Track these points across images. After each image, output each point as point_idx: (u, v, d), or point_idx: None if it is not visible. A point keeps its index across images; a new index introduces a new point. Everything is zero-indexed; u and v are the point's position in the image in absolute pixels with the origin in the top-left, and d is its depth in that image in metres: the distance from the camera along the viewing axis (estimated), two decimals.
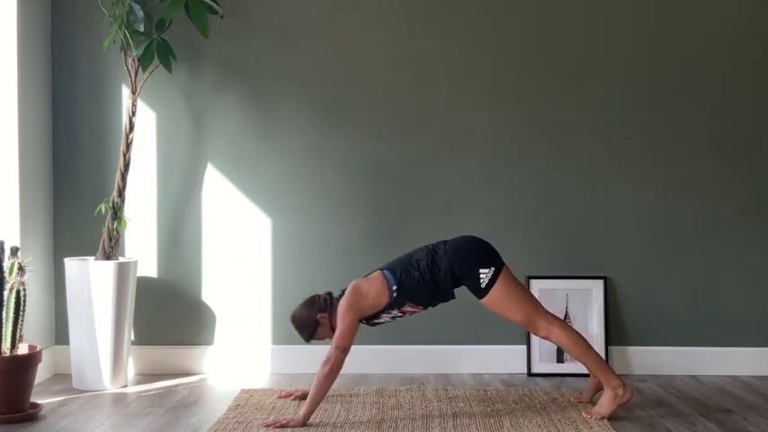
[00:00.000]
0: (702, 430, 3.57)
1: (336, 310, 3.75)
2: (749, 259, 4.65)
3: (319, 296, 3.85)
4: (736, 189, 4.65)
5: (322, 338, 3.85)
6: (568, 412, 3.80)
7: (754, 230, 4.66)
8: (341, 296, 3.79)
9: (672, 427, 3.61)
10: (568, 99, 4.66)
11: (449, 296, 3.81)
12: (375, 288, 3.73)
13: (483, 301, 3.73)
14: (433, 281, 3.73)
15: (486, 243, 3.81)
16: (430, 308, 3.84)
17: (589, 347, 3.74)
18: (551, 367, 4.56)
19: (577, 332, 3.75)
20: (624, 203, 4.66)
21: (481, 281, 3.70)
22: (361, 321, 3.78)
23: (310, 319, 3.80)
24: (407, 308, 3.78)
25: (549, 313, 3.76)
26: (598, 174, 4.66)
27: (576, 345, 3.71)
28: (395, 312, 3.79)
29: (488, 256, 3.75)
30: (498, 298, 3.70)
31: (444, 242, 3.82)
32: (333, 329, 3.77)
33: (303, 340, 3.88)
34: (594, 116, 4.66)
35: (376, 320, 3.82)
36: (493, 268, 3.71)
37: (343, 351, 3.63)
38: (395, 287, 3.71)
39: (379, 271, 3.79)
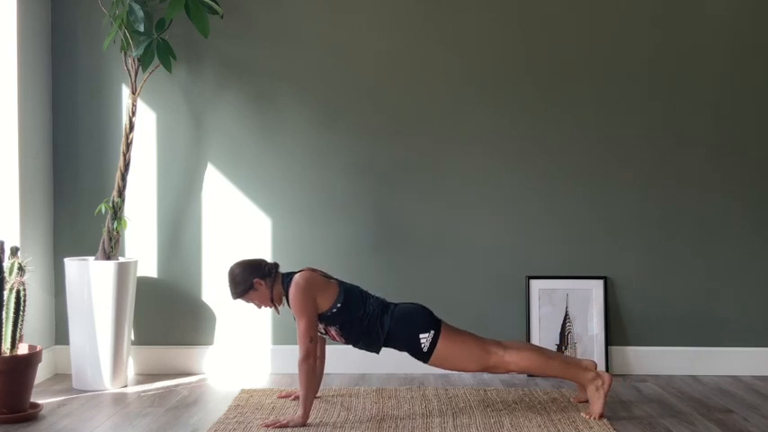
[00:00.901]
0: (702, 430, 3.57)
1: (278, 284, 3.76)
2: (749, 259, 4.65)
3: (266, 263, 3.83)
4: (736, 189, 4.65)
5: (249, 302, 3.84)
6: (568, 412, 3.80)
7: (754, 230, 4.66)
8: (287, 274, 3.79)
9: (672, 427, 3.61)
10: (569, 99, 4.66)
11: (375, 350, 3.83)
12: (328, 292, 3.74)
13: (429, 363, 3.76)
14: (369, 330, 3.76)
15: (425, 308, 3.82)
16: (349, 344, 3.85)
17: (550, 358, 3.76)
18: None
19: (532, 348, 3.78)
20: (624, 203, 4.66)
21: (422, 345, 3.73)
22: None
23: (247, 281, 3.77)
24: (332, 331, 3.80)
25: (497, 344, 3.75)
26: (598, 173, 4.66)
27: (537, 363, 3.72)
28: (320, 327, 3.79)
29: (427, 320, 3.76)
30: (443, 356, 3.74)
31: (396, 304, 3.84)
32: (271, 300, 3.77)
33: (231, 296, 3.84)
34: (594, 116, 4.66)
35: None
36: (432, 331, 3.74)
37: (315, 342, 3.65)
38: (339, 305, 3.74)
39: (336, 281, 3.81)
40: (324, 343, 3.91)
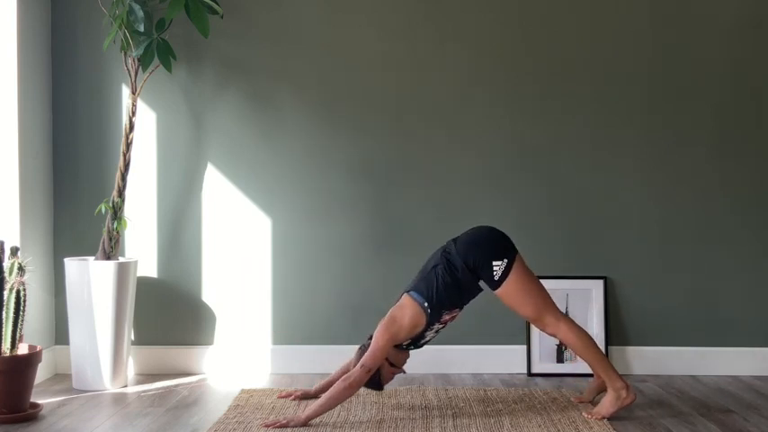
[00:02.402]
0: (702, 430, 3.57)
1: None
2: (749, 259, 4.65)
3: (364, 345, 3.79)
4: (736, 189, 4.65)
5: (392, 377, 3.82)
6: (568, 412, 3.80)
7: (755, 230, 4.66)
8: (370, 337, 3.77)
9: (672, 427, 3.61)
10: (569, 99, 4.66)
11: (475, 290, 3.78)
12: (408, 312, 3.71)
13: (496, 292, 3.72)
14: (455, 282, 3.71)
15: (499, 233, 3.79)
16: (465, 306, 3.82)
17: (595, 347, 3.74)
18: (551, 367, 4.56)
19: (584, 331, 3.75)
20: (624, 203, 4.66)
21: (494, 273, 3.68)
22: (408, 347, 3.80)
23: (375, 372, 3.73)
24: (446, 317, 3.77)
25: (559, 310, 3.75)
26: (598, 173, 4.66)
27: (583, 343, 3.71)
28: (437, 326, 3.78)
29: (501, 247, 3.73)
30: (511, 291, 3.69)
31: (455, 239, 3.80)
32: (392, 365, 3.77)
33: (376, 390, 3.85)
34: (594, 116, 4.66)
35: (422, 341, 3.81)
36: (506, 260, 3.69)
37: (367, 371, 3.62)
38: (426, 304, 3.70)
39: (405, 294, 3.77)
40: (369, 375, 3.73)
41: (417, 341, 3.79)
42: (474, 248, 3.72)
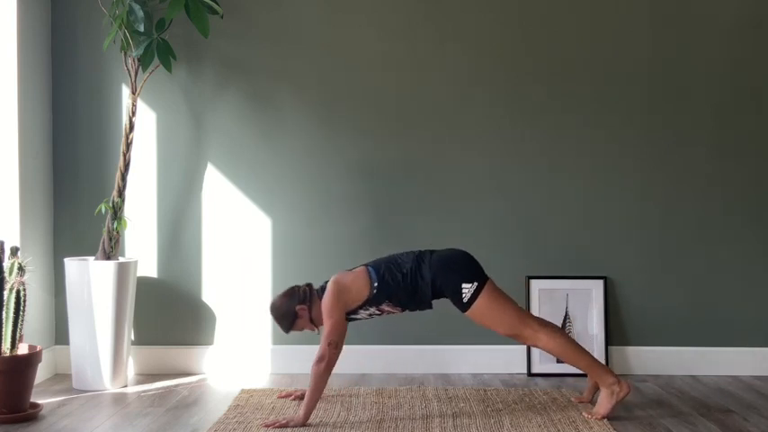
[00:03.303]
0: (702, 430, 3.57)
1: (316, 302, 3.77)
2: (749, 259, 4.65)
3: (299, 287, 3.85)
4: (736, 189, 4.65)
5: (301, 329, 3.85)
6: (568, 412, 3.80)
7: (755, 230, 4.66)
8: (321, 289, 3.80)
9: (672, 427, 3.61)
10: (569, 99, 4.66)
11: (425, 305, 3.82)
12: (358, 282, 3.74)
13: (467, 314, 3.74)
14: (414, 287, 3.74)
15: (471, 257, 3.81)
16: (407, 311, 3.85)
17: (579, 349, 3.74)
18: (551, 367, 4.56)
19: (565, 335, 3.75)
20: (624, 203, 4.66)
21: (463, 295, 3.71)
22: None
23: (289, 311, 3.79)
24: (385, 306, 3.79)
25: (536, 320, 3.75)
26: (598, 174, 4.66)
27: (566, 349, 3.71)
28: (372, 309, 3.79)
29: (472, 270, 3.75)
30: (481, 312, 3.71)
31: (431, 252, 3.82)
32: (312, 321, 3.79)
33: (282, 330, 3.87)
34: (594, 116, 4.66)
35: (353, 316, 3.82)
36: (476, 283, 3.72)
37: (335, 347, 3.64)
38: (376, 283, 3.73)
39: (363, 266, 3.80)
40: (340, 351, 3.76)
41: (348, 315, 3.79)
42: (446, 269, 3.74)
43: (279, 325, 3.87)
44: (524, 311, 3.79)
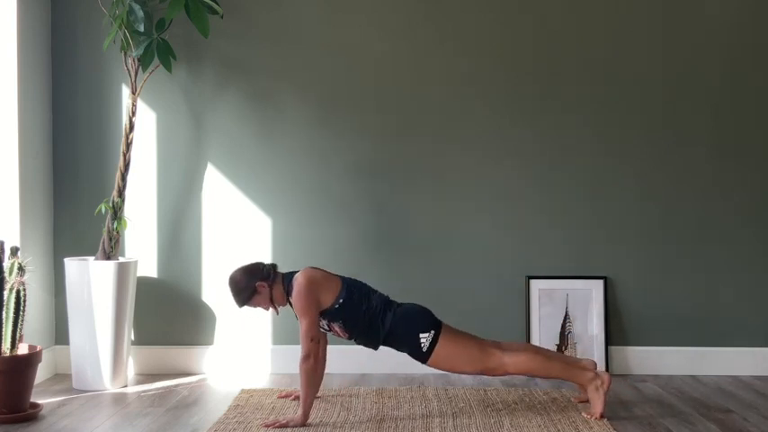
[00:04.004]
0: (702, 430, 3.57)
1: (278, 284, 3.76)
2: (749, 259, 4.65)
3: (263, 265, 3.83)
4: (736, 189, 4.65)
5: (256, 306, 3.84)
6: (568, 412, 3.80)
7: (754, 230, 4.66)
8: (288, 274, 3.79)
9: (672, 427, 3.61)
10: (568, 99, 4.66)
11: (373, 346, 3.83)
12: (329, 287, 3.74)
13: (428, 363, 3.76)
14: (369, 324, 3.75)
15: (428, 310, 3.82)
16: (352, 340, 3.85)
17: (550, 359, 3.76)
18: None
19: (532, 350, 3.79)
20: (624, 203, 4.66)
21: (422, 345, 3.72)
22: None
23: (249, 286, 3.77)
24: (336, 327, 3.79)
25: (497, 348, 3.76)
26: (598, 174, 4.66)
27: (537, 366, 3.72)
28: (324, 323, 3.78)
29: (427, 321, 3.76)
30: (442, 357, 3.73)
31: (399, 304, 3.84)
32: (271, 301, 3.77)
33: (236, 304, 3.85)
34: (594, 116, 4.66)
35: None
36: (432, 331, 3.74)
37: (318, 341, 3.67)
38: (341, 300, 3.73)
39: (339, 277, 3.81)
40: (325, 343, 3.88)
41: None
42: (405, 321, 3.75)
43: (234, 298, 3.82)
44: (484, 341, 3.79)
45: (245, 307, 3.86)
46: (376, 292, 3.85)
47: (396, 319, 3.76)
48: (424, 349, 3.73)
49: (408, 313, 3.79)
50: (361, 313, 3.75)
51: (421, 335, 3.74)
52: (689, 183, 4.65)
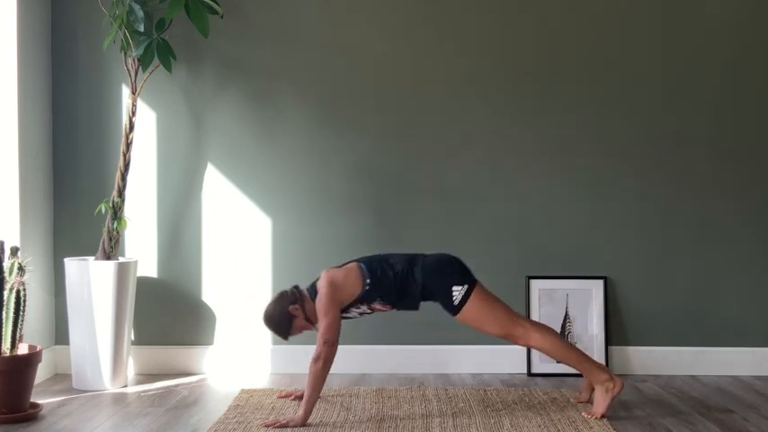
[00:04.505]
0: (702, 430, 3.57)
1: (308, 300, 3.76)
2: (749, 259, 4.65)
3: (286, 291, 3.83)
4: (736, 189, 4.65)
5: (300, 332, 3.84)
6: (568, 412, 3.80)
7: (754, 230, 4.66)
8: (312, 287, 3.79)
9: (672, 427, 3.61)
10: (568, 99, 4.66)
11: (413, 307, 3.83)
12: (350, 278, 3.74)
13: (458, 317, 3.75)
14: (404, 287, 3.75)
15: (461, 262, 3.83)
16: (395, 309, 3.86)
17: (570, 348, 3.76)
18: (551, 367, 4.56)
19: (556, 335, 3.78)
20: (624, 203, 4.66)
21: (454, 298, 3.72)
22: None
23: (283, 314, 3.78)
24: (376, 305, 3.79)
25: (526, 321, 3.78)
26: (598, 173, 4.66)
27: (558, 348, 3.73)
28: (363, 308, 3.79)
29: (462, 273, 3.77)
30: (472, 314, 3.73)
31: (424, 256, 3.84)
32: (308, 320, 3.78)
33: (282, 339, 3.86)
34: (594, 116, 4.66)
35: (345, 315, 3.80)
36: (466, 285, 3.73)
37: (331, 345, 3.64)
38: (369, 280, 3.73)
39: (354, 262, 3.80)
40: (336, 349, 3.78)
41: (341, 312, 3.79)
42: (438, 272, 3.76)
43: (277, 333, 3.84)
44: (514, 312, 3.80)
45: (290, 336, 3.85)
46: (394, 255, 3.83)
47: (426, 272, 3.74)
48: (456, 303, 3.71)
49: (439, 264, 3.78)
50: (390, 282, 3.73)
51: (454, 287, 3.72)
52: (689, 183, 4.66)
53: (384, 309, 3.83)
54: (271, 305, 3.83)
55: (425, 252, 3.89)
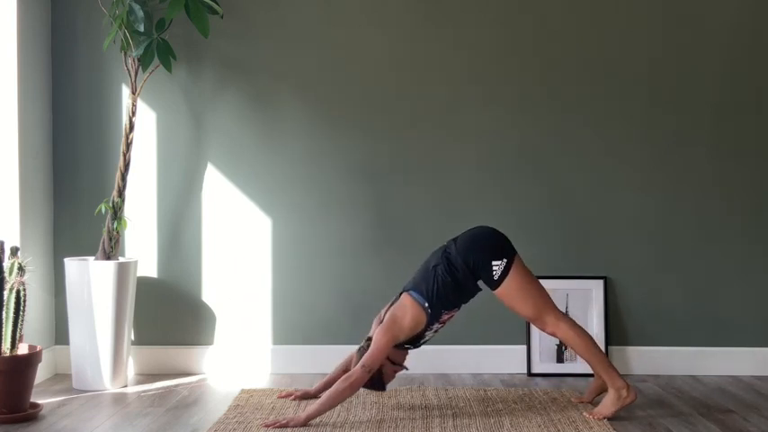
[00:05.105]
0: (702, 430, 3.57)
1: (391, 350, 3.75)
2: (749, 259, 4.65)
3: (362, 346, 3.78)
4: (735, 189, 4.65)
5: (394, 376, 3.83)
6: (568, 412, 3.80)
7: (754, 230, 4.66)
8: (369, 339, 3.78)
9: (672, 427, 3.61)
10: (568, 99, 4.66)
11: (474, 290, 3.80)
12: (410, 312, 3.72)
13: (496, 292, 3.74)
14: (455, 282, 3.73)
15: (499, 233, 3.81)
16: (463, 305, 3.84)
17: (595, 346, 3.75)
18: (551, 367, 4.56)
19: (585, 331, 3.76)
20: (624, 203, 4.66)
21: (494, 273, 3.70)
22: (407, 347, 3.80)
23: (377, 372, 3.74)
24: (445, 316, 3.79)
25: (558, 310, 3.76)
26: (598, 174, 4.66)
27: (583, 343, 3.72)
28: (436, 326, 3.79)
29: (500, 247, 3.74)
30: (511, 290, 3.71)
31: (455, 239, 3.82)
32: (394, 363, 3.79)
33: (381, 391, 3.86)
34: (595, 116, 4.66)
35: (421, 341, 3.82)
36: (505, 260, 3.71)
37: (368, 371, 3.63)
38: (426, 304, 3.71)
39: (405, 294, 3.78)
40: (369, 376, 3.73)
41: (416, 341, 3.80)
42: (474, 248, 3.74)
43: (377, 390, 3.82)
44: (549, 297, 3.78)
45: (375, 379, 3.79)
46: (430, 260, 3.79)
47: (463, 255, 3.71)
48: (496, 277, 3.69)
49: (473, 240, 3.75)
50: (444, 291, 3.70)
51: (493, 262, 3.70)
52: (689, 183, 4.65)
53: (452, 314, 3.82)
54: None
55: (441, 243, 3.87)
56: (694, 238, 4.65)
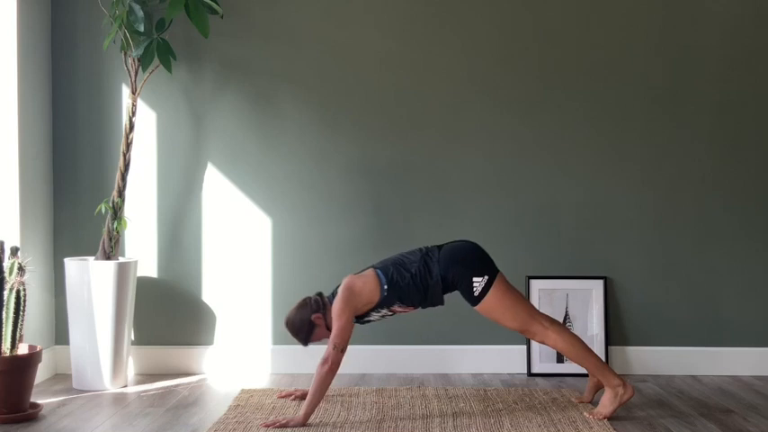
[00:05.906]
0: (702, 430, 3.57)
1: (331, 309, 3.76)
2: (749, 259, 4.65)
3: (310, 298, 3.84)
4: (735, 189, 4.65)
5: (319, 339, 3.85)
6: (568, 412, 3.80)
7: (754, 230, 4.66)
8: (332, 295, 3.80)
9: (672, 427, 3.61)
10: (568, 99, 4.66)
11: (438, 301, 3.82)
12: (368, 285, 3.74)
13: (477, 308, 3.75)
14: (424, 285, 3.75)
15: (481, 250, 3.82)
16: (420, 309, 3.86)
17: (586, 349, 3.74)
18: (551, 367, 4.56)
19: (574, 335, 3.76)
20: (624, 203, 4.66)
21: (474, 289, 3.71)
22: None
23: (304, 322, 3.79)
24: (397, 307, 3.80)
25: (546, 317, 3.77)
26: (598, 173, 4.66)
27: (574, 348, 3.72)
28: (384, 311, 3.81)
29: (482, 264, 3.76)
30: (491, 305, 3.72)
31: (439, 247, 3.83)
32: (329, 329, 3.77)
33: (301, 344, 3.88)
34: (595, 116, 4.66)
35: (366, 318, 3.83)
36: (486, 276, 3.72)
37: (341, 350, 3.64)
38: (386, 286, 3.73)
39: (371, 269, 3.80)
40: (344, 354, 3.76)
41: (361, 318, 3.81)
42: (456, 263, 3.75)
43: (297, 339, 3.85)
44: (534, 308, 3.79)
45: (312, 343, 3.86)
46: (406, 254, 3.82)
47: (443, 266, 3.73)
48: (476, 294, 3.71)
49: (457, 255, 3.76)
50: (408, 284, 3.73)
51: (474, 278, 3.71)
52: (689, 183, 4.66)
53: (406, 310, 3.83)
54: (293, 312, 3.83)
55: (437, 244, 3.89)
56: (694, 238, 4.65)
